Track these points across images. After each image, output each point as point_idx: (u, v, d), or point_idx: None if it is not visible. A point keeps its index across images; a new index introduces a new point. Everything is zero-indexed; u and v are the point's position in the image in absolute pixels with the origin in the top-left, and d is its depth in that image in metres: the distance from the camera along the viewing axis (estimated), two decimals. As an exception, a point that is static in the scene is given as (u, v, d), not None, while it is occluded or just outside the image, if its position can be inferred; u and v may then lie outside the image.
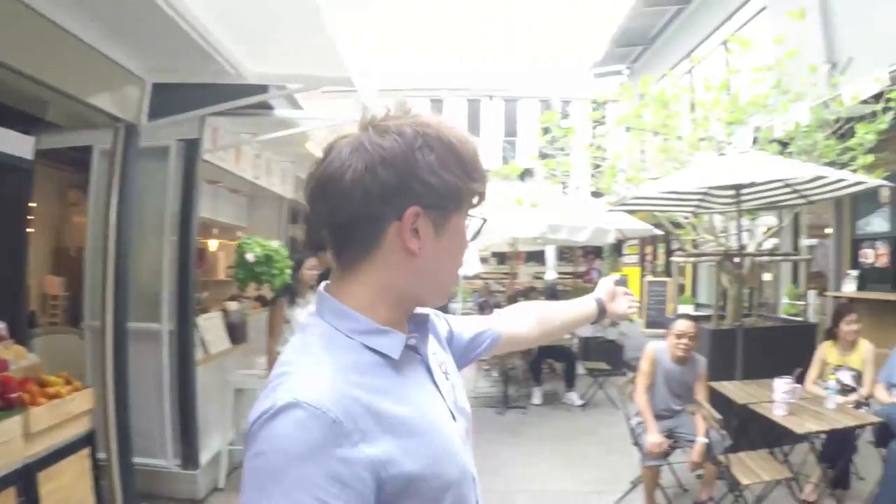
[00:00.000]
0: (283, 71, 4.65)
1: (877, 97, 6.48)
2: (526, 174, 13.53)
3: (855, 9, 9.07)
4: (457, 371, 1.39)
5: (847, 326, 5.67)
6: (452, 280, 1.21)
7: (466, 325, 1.60)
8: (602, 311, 1.89)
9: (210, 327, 5.78)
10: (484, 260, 17.41)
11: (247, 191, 8.39)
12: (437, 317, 1.45)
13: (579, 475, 6.04)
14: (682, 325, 5.28)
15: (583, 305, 1.90)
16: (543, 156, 9.56)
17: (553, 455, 6.67)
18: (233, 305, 6.43)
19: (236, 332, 6.19)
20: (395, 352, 1.11)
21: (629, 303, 1.95)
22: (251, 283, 6.16)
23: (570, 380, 9.11)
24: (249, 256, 5.83)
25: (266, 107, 5.58)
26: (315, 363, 1.04)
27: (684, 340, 5.21)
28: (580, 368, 9.41)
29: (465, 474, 1.15)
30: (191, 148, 5.27)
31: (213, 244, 9.88)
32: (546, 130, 9.10)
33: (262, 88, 4.86)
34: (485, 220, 1.25)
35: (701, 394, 5.28)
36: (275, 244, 5.99)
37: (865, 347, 5.65)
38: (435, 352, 1.29)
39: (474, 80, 23.50)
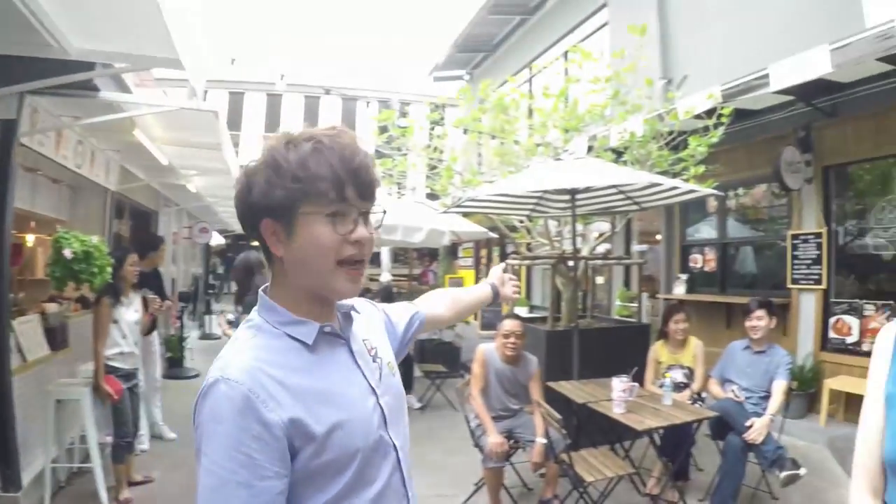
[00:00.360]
0: (111, 48, 4.27)
1: (710, 112, 6.88)
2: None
3: (691, 28, 9.70)
4: (392, 355, 1.64)
5: (675, 325, 5.96)
6: (324, 275, 1.34)
7: (400, 312, 1.87)
8: (496, 294, 2.26)
9: (27, 331, 5.20)
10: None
11: (68, 181, 7.56)
12: (373, 307, 1.75)
13: (421, 479, 5.86)
14: (509, 325, 5.35)
15: (481, 290, 2.26)
16: (380, 156, 9.48)
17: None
18: (52, 307, 5.84)
19: (56, 337, 5.64)
20: (309, 338, 1.35)
21: (513, 287, 2.32)
22: (69, 283, 5.65)
23: (407, 383, 9.01)
24: (67, 253, 5.30)
25: (91, 88, 5.15)
26: (239, 349, 1.31)
27: (511, 339, 5.27)
28: (417, 371, 9.40)
29: (377, 444, 1.38)
30: (7, 129, 4.74)
31: (30, 239, 8.84)
32: (383, 130, 9.03)
33: (88, 66, 4.49)
34: (385, 212, 1.45)
35: (536, 392, 5.36)
36: (94, 240, 5.49)
37: (695, 345, 5.98)
38: (366, 338, 1.54)
39: (313, 77, 23.15)
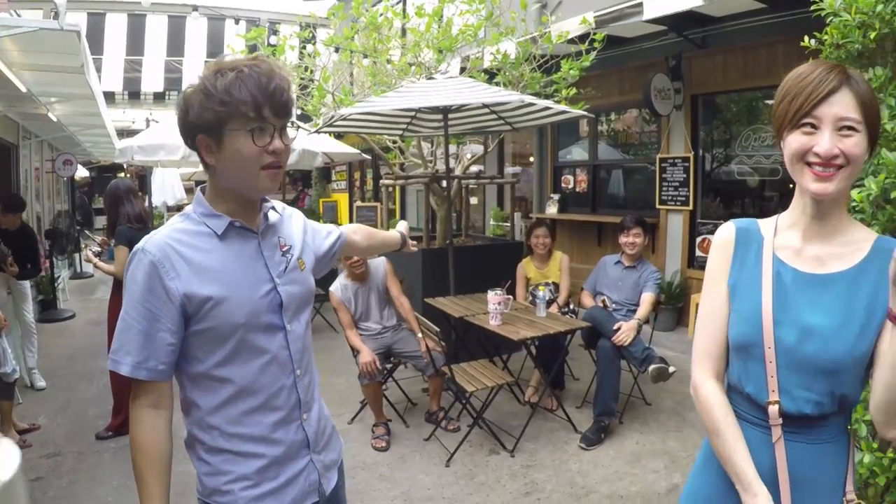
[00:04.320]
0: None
1: (583, 38, 6.96)
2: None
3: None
4: (307, 255, 1.92)
5: (536, 240, 6.14)
6: (249, 179, 1.63)
7: (327, 229, 2.14)
8: (403, 243, 2.54)
9: None
10: (189, 190, 16.47)
11: None
12: (299, 215, 2.01)
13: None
14: None
15: (392, 234, 2.54)
16: None
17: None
18: None
19: None
20: (219, 229, 1.67)
21: (413, 245, 2.65)
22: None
23: None
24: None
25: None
26: (163, 228, 1.66)
27: (353, 258, 5.20)
28: None
29: (264, 324, 1.68)
30: None
31: None
32: (252, 49, 8.72)
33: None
34: (298, 127, 1.58)
35: (394, 289, 5.43)
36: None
37: (560, 259, 6.19)
38: (281, 235, 1.83)
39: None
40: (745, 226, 1.73)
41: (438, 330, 4.85)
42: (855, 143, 1.46)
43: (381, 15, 7.89)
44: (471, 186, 11.84)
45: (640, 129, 9.53)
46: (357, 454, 4.87)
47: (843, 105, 1.46)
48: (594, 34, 6.92)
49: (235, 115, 1.56)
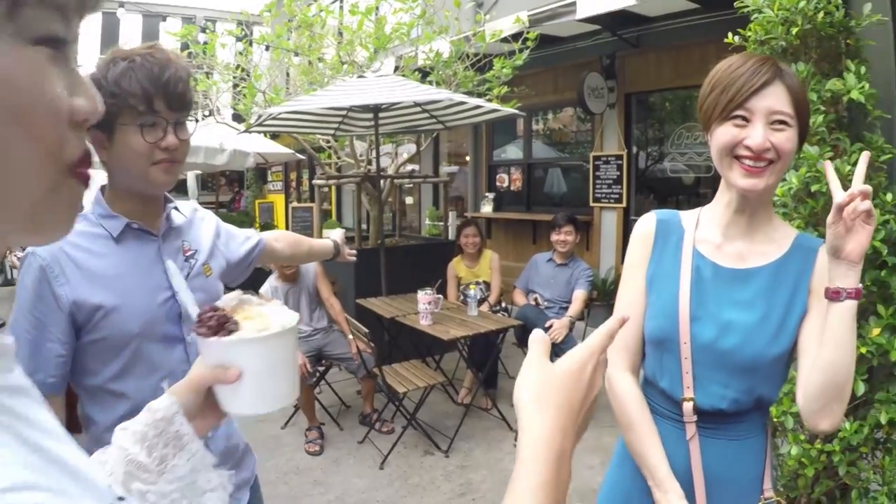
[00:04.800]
0: None
1: (517, 37, 6.97)
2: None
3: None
4: (219, 262, 1.82)
5: (466, 239, 6.15)
6: (141, 176, 1.52)
7: (244, 234, 2.03)
8: (337, 252, 2.43)
9: None
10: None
11: None
12: (210, 216, 1.89)
13: None
14: None
15: (324, 243, 2.43)
16: None
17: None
18: None
19: None
20: (115, 231, 1.55)
21: (350, 253, 2.55)
22: None
23: None
24: None
25: None
26: None
27: None
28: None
29: (161, 335, 1.56)
30: None
31: None
32: (185, 47, 8.52)
33: None
34: (197, 120, 1.56)
35: (325, 291, 5.36)
36: None
37: (490, 258, 6.20)
38: (186, 239, 1.71)
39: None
40: (666, 218, 1.70)
41: (367, 331, 4.78)
42: (787, 138, 1.43)
43: (315, 13, 7.77)
44: (406, 186, 11.78)
45: (574, 128, 9.60)
46: (290, 459, 4.79)
47: (776, 98, 1.43)
48: (527, 33, 6.93)
49: (125, 109, 1.45)
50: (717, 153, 1.50)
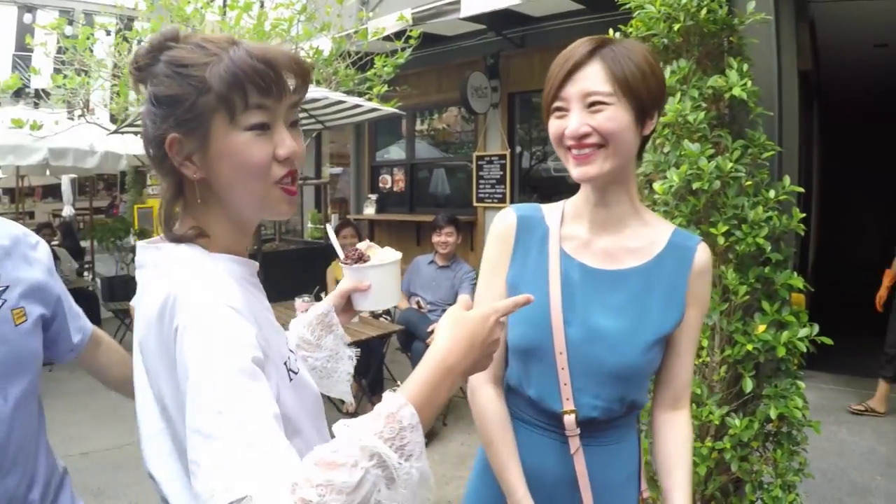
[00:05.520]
0: None
1: (399, 35, 6.85)
2: (26, 94, 11.59)
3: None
4: (36, 310, 1.51)
5: (343, 240, 5.95)
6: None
7: (80, 316, 1.72)
8: None
9: None
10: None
11: None
12: (39, 256, 1.56)
13: (114, 430, 5.32)
14: None
15: None
16: (57, 71, 8.30)
17: (90, 414, 5.90)
18: None
19: None
20: None
21: None
22: None
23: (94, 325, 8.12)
24: None
25: None
26: None
27: None
28: (104, 312, 8.46)
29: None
30: None
31: None
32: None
33: None
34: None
35: None
36: None
37: None
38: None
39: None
40: (527, 213, 1.60)
41: None
42: (608, 118, 1.34)
43: (191, 6, 7.40)
44: (287, 188, 11.42)
45: (457, 128, 9.57)
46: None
47: (590, 80, 1.35)
48: (411, 31, 6.82)
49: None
50: (555, 149, 1.45)
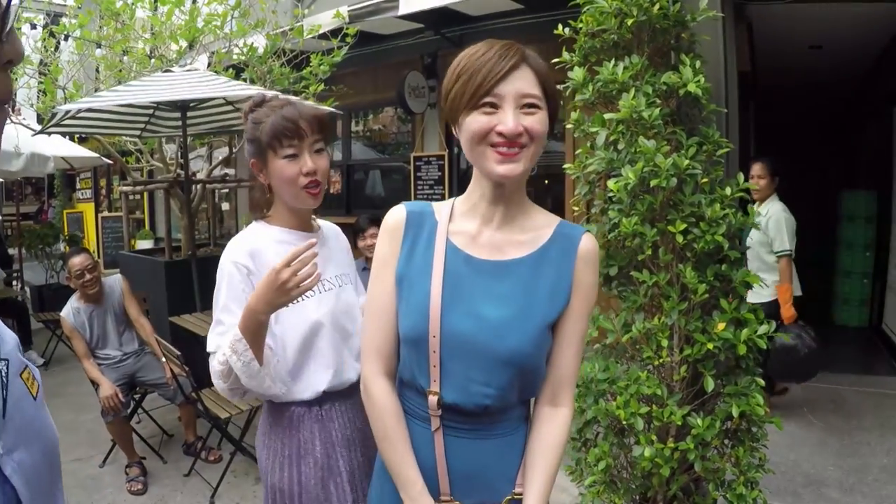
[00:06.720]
0: None
1: (336, 33, 6.73)
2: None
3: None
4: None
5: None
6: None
7: None
8: None
9: None
10: None
11: None
12: None
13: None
14: (78, 263, 4.72)
15: None
16: None
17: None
18: None
19: None
20: None
21: None
22: None
23: (25, 338, 7.74)
24: None
25: None
26: None
27: (87, 277, 4.70)
28: (35, 323, 8.12)
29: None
30: None
31: None
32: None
33: None
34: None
35: (133, 310, 4.93)
36: None
37: None
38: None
39: None
40: (417, 209, 1.63)
41: (179, 353, 4.30)
42: (538, 121, 1.41)
43: (122, 2, 7.12)
44: (222, 191, 11.13)
45: (394, 128, 9.49)
46: (112, 502, 4.28)
47: (524, 82, 1.41)
48: (347, 28, 6.70)
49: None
50: (468, 143, 1.45)
